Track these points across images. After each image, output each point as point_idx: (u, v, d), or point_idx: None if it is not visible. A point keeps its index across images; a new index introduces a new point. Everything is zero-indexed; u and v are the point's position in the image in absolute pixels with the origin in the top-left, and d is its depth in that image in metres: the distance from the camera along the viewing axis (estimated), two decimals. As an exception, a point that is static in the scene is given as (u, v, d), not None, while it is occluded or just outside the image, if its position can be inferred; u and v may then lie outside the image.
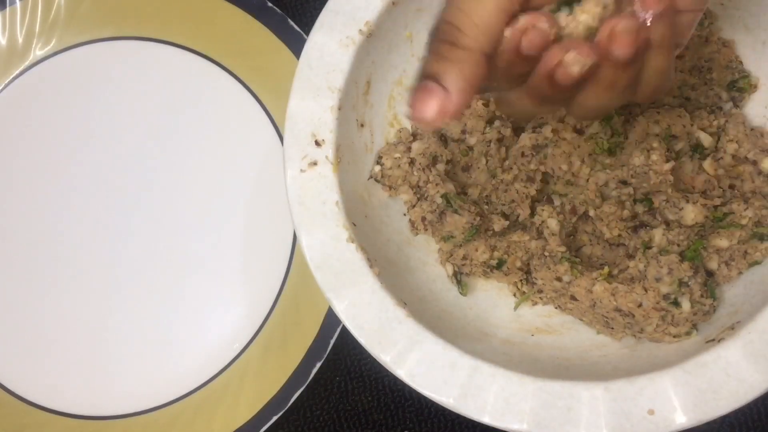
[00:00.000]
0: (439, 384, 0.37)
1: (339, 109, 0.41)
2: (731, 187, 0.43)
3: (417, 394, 0.37)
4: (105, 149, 0.53)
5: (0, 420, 0.50)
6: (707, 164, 0.43)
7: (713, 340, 0.37)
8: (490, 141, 0.45)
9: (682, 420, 0.35)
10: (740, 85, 0.44)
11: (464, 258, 0.44)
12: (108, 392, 0.51)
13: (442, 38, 0.30)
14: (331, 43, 0.41)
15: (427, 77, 0.30)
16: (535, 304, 0.45)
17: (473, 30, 0.29)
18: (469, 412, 0.37)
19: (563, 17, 0.30)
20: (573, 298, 0.42)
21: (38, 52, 0.53)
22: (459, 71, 0.29)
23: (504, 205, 0.45)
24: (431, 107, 0.29)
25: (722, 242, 0.41)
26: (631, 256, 0.42)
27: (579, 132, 0.44)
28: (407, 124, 0.47)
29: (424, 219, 0.44)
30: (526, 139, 0.44)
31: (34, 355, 0.51)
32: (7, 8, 0.52)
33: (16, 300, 0.52)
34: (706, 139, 0.43)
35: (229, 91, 0.53)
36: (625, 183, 0.42)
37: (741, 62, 0.44)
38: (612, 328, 0.42)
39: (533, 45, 0.30)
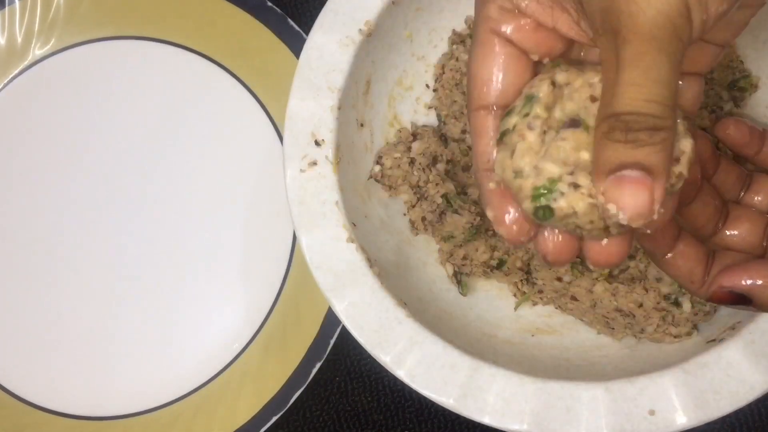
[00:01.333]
0: (439, 384, 0.37)
1: (339, 108, 0.41)
2: (732, 186, 0.43)
3: (417, 394, 0.37)
4: (104, 149, 0.53)
5: (0, 420, 0.50)
6: (708, 164, 0.43)
7: (714, 340, 0.37)
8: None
9: (683, 420, 0.35)
10: (741, 85, 0.44)
11: (464, 258, 0.44)
12: (108, 392, 0.51)
13: (634, 128, 0.26)
14: (331, 43, 0.41)
15: (622, 167, 0.26)
16: (535, 304, 0.45)
17: (669, 111, 0.26)
18: (469, 413, 0.36)
19: None
20: (573, 298, 0.42)
21: (37, 52, 0.53)
22: (666, 153, 0.26)
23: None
24: (645, 199, 0.26)
25: (723, 242, 0.41)
26: (631, 256, 0.42)
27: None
28: (407, 124, 0.47)
29: (424, 219, 0.44)
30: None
31: (34, 355, 0.51)
32: (6, 8, 0.52)
33: (16, 300, 0.52)
34: (706, 139, 0.43)
35: (229, 91, 0.52)
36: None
37: (742, 62, 0.44)
38: (612, 329, 0.42)
39: None
